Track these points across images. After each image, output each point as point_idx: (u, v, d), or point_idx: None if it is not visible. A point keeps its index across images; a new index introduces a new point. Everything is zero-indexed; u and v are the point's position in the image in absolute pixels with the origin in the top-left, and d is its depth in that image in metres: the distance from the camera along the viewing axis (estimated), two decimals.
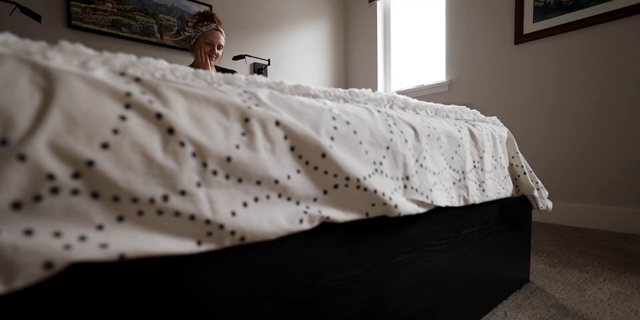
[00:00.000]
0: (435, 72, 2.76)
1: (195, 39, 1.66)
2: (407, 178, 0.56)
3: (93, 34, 1.99)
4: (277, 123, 0.39)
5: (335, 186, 0.45)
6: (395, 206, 0.51)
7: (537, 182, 0.97)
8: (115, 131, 0.29)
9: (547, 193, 1.00)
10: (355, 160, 0.47)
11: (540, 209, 0.96)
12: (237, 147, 0.36)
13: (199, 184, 0.33)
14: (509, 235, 0.95)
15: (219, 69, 1.82)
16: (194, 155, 0.33)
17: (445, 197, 0.66)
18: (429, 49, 2.82)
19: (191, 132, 0.33)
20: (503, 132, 0.95)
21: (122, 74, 0.35)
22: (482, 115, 0.99)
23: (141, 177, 0.30)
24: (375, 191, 0.48)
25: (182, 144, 0.32)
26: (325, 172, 0.44)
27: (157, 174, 0.31)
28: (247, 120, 0.37)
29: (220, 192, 0.35)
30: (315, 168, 0.43)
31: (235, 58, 2.40)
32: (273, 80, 0.54)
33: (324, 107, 0.48)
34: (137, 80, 0.34)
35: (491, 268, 0.88)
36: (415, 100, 0.77)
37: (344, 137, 0.47)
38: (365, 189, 0.47)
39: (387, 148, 0.53)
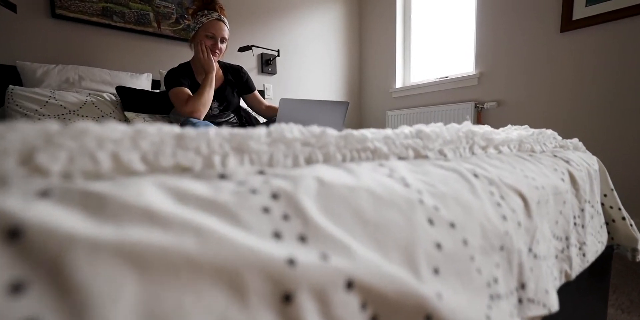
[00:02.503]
0: (462, 63, 2.48)
1: (194, 31, 1.42)
2: (523, 286, 0.36)
3: (81, 24, 1.76)
4: (349, 284, 0.19)
5: None
6: None
7: (631, 225, 0.75)
8: None
9: None
10: (467, 295, 0.27)
11: (638, 260, 0.75)
12: None
13: None
14: (591, 288, 0.75)
15: (222, 66, 1.59)
16: None
17: (552, 283, 0.46)
18: (455, 37, 2.53)
19: None
20: (594, 163, 0.72)
21: None
22: (561, 138, 0.77)
23: None
24: None
25: None
26: None
27: None
28: (288, 298, 0.17)
29: None
30: None
31: (241, 49, 2.16)
32: (309, 131, 0.33)
33: (411, 199, 0.27)
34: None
35: None
36: (498, 134, 0.55)
37: (451, 260, 0.26)
38: None
39: (501, 248, 0.32)
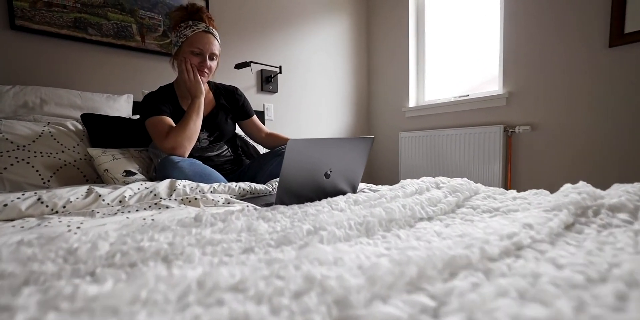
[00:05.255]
0: (486, 80, 2.22)
1: (177, 47, 1.15)
2: None
3: (47, 37, 1.48)
4: None
5: None
6: None
7: None
8: None
9: None
10: None
11: None
12: None
13: None
14: None
15: (213, 87, 1.32)
16: None
17: None
18: (476, 51, 2.27)
19: None
20: None
21: None
22: None
23: None
24: None
25: None
26: None
27: None
28: None
29: None
30: None
31: (238, 66, 1.89)
32: None
33: None
34: None
35: None
36: None
37: None
38: None
39: None
